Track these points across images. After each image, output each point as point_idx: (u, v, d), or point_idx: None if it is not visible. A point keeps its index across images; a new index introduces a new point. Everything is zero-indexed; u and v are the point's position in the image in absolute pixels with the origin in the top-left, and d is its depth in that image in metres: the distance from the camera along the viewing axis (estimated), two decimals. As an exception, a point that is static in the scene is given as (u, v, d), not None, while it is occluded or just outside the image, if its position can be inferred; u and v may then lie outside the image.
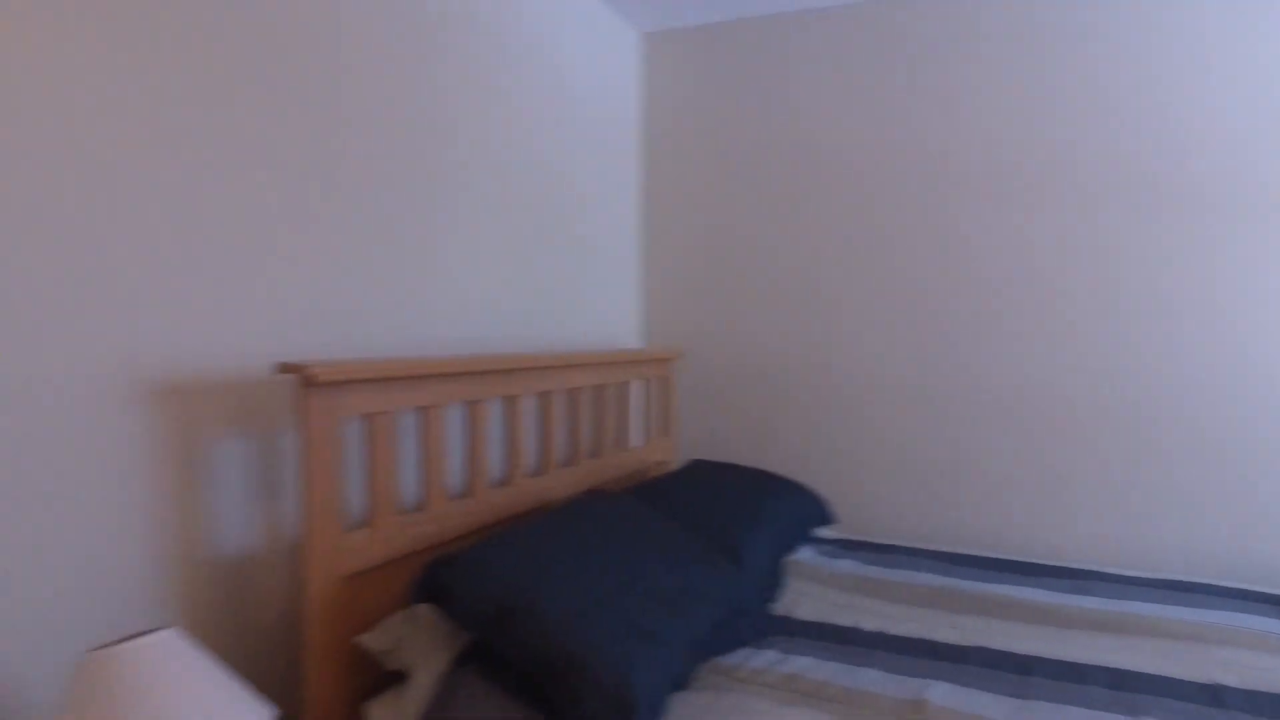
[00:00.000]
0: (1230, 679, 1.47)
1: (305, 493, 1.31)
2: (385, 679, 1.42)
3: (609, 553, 1.52)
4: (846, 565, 2.12)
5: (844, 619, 1.78)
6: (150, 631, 1.01)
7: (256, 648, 1.43)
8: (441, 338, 1.89)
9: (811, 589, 1.97)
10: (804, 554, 2.17)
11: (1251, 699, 1.39)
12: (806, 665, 1.51)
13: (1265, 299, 2.19)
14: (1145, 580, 2.01)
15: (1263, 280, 2.19)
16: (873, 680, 1.46)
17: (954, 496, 2.53)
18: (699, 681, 1.44)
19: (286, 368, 1.31)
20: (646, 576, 1.48)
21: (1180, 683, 1.46)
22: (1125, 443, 2.33)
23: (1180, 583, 1.98)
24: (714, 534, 1.90)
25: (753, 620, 1.66)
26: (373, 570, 1.46)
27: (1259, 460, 2.20)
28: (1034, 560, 2.19)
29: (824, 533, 2.42)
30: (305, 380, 1.31)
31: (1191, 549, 2.28)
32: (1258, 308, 2.19)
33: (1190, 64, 2.22)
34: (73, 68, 1.17)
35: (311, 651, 1.32)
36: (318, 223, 1.56)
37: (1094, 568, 2.13)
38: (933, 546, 2.34)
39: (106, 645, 0.99)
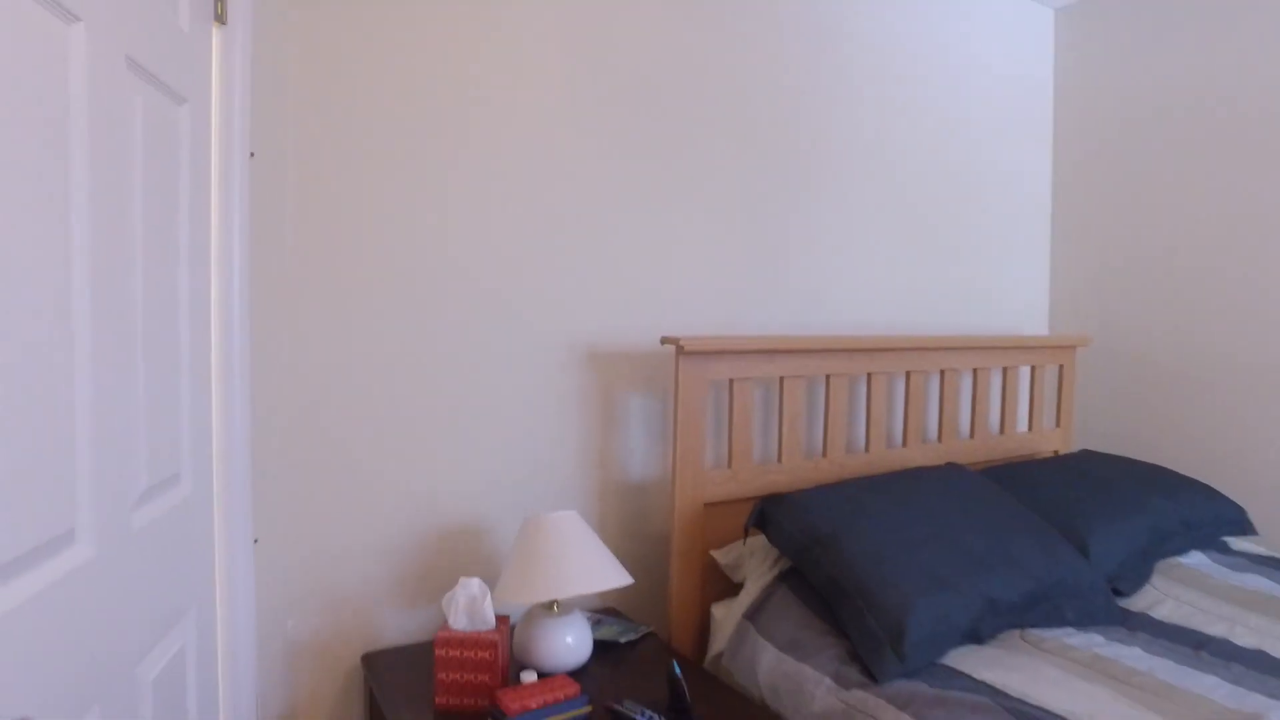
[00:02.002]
0: None
1: (677, 437, 1.75)
2: (729, 587, 1.80)
3: (927, 512, 1.69)
4: (1253, 580, 1.91)
5: (1210, 628, 1.66)
6: (564, 511, 1.53)
7: (642, 548, 1.93)
8: (836, 323, 2.23)
9: (1185, 592, 1.84)
10: (1194, 558, 2.01)
11: None
12: (1128, 654, 1.51)
13: None
14: None
15: None
16: (1200, 684, 1.40)
17: None
18: (998, 640, 1.54)
19: (665, 340, 1.75)
20: (956, 537, 1.62)
21: None
22: None
23: None
24: (1063, 519, 1.90)
25: (1085, 605, 1.67)
26: (728, 503, 1.85)
27: None
28: None
29: (1241, 544, 2.17)
30: (679, 350, 1.74)
31: None
32: None
33: None
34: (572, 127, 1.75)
35: (676, 557, 1.76)
36: (723, 228, 1.99)
37: None
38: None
39: (538, 515, 1.53)
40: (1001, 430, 2.48)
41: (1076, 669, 1.44)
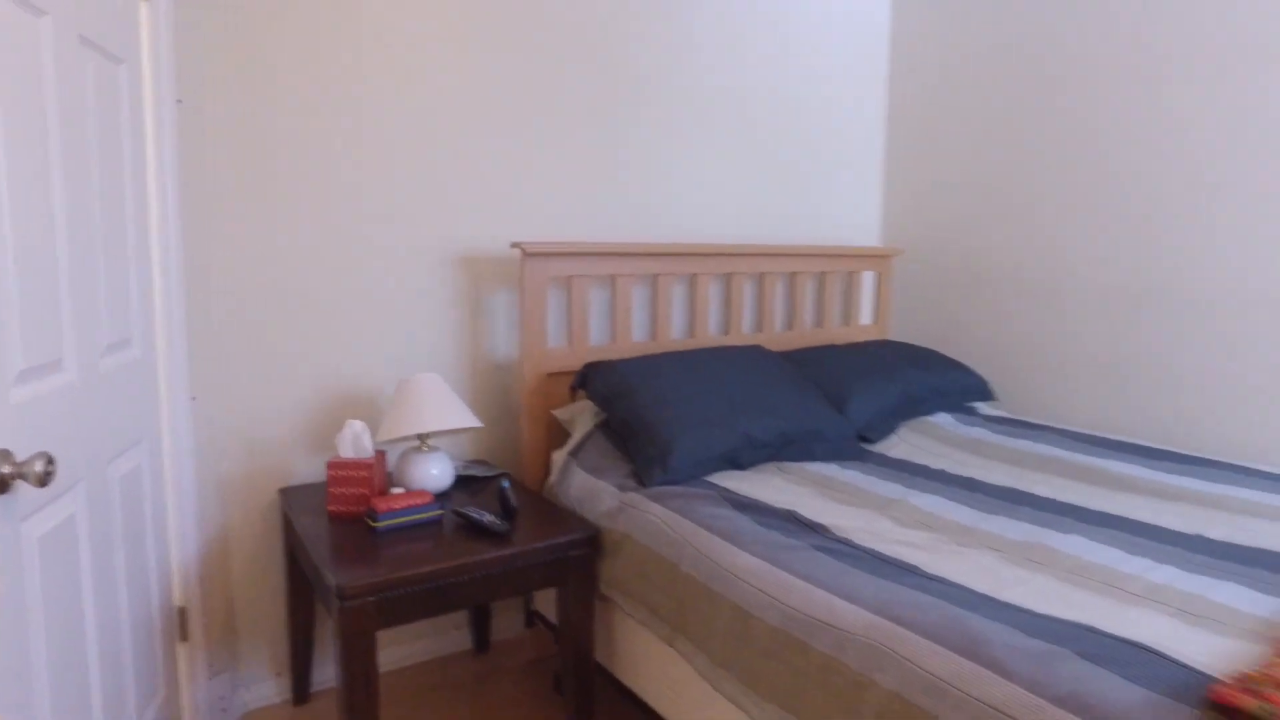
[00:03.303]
0: (1231, 535, 1.68)
1: (524, 322, 2.25)
2: (567, 438, 2.34)
3: (714, 376, 2.23)
4: (973, 431, 2.50)
5: (927, 461, 2.24)
6: (429, 374, 2.04)
7: (504, 412, 2.45)
8: (677, 231, 2.72)
9: (919, 440, 2.43)
10: (940, 418, 2.59)
11: (1244, 557, 1.53)
12: (850, 475, 2.07)
13: None
14: (1264, 472, 2.07)
15: None
16: (894, 491, 1.94)
17: (1126, 390, 2.65)
18: (756, 467, 2.10)
19: (514, 245, 2.23)
20: (730, 392, 2.17)
21: (1182, 535, 1.65)
22: (1273, 344, 2.28)
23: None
24: (834, 384, 2.46)
25: (832, 444, 2.24)
26: (568, 374, 2.36)
27: None
28: (1170, 448, 2.33)
29: (983, 408, 2.77)
30: (524, 252, 2.22)
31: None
32: None
33: None
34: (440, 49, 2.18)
35: (525, 416, 2.28)
36: (572, 143, 2.45)
37: (1229, 460, 2.21)
38: (1077, 428, 2.57)
39: (410, 376, 2.03)
40: (821, 325, 3.03)
41: (803, 483, 2.00)
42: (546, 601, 2.21)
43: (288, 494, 2.08)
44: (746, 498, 1.86)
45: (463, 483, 2.18)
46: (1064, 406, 2.84)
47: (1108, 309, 2.70)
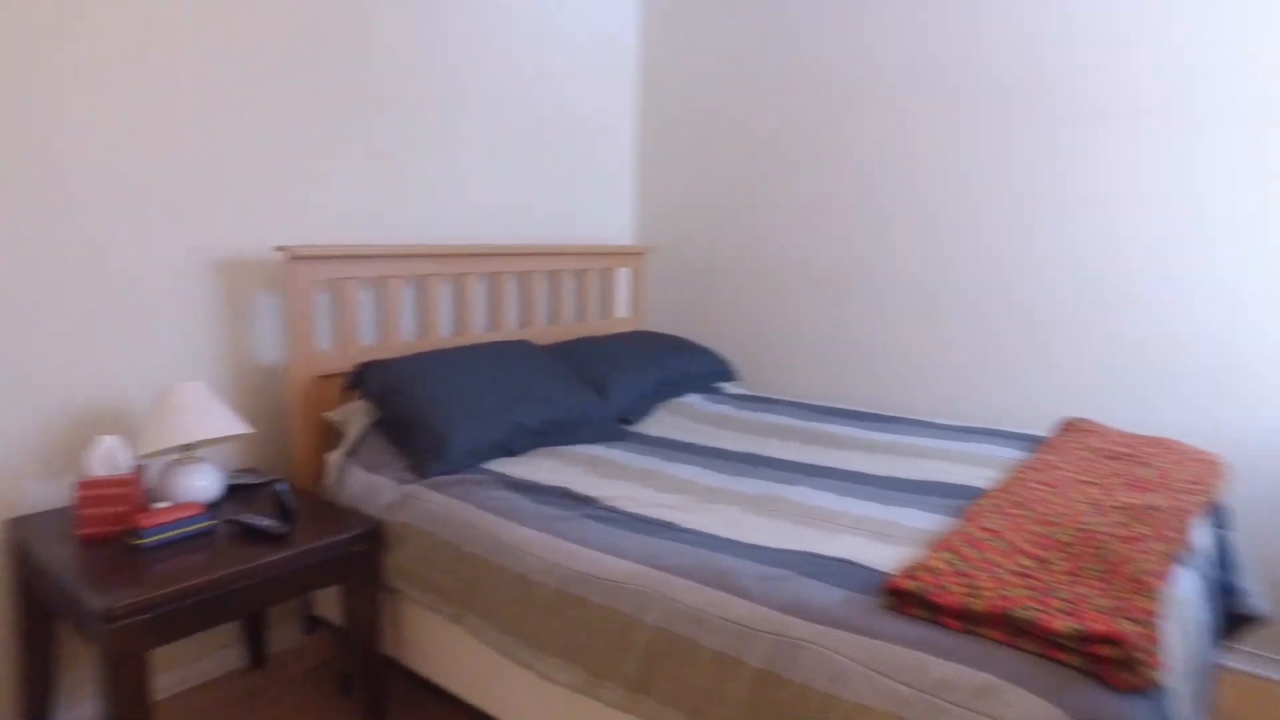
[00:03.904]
0: (913, 474, 2.08)
1: (290, 325, 2.22)
2: (341, 441, 2.35)
3: (484, 370, 2.34)
4: (719, 408, 2.83)
5: (680, 436, 2.51)
6: (191, 382, 1.97)
7: (276, 417, 2.40)
8: (443, 233, 2.77)
9: (673, 419, 2.71)
10: (690, 399, 2.90)
11: (921, 489, 1.95)
12: (613, 454, 2.28)
13: (1068, 203, 2.59)
14: (940, 425, 2.57)
15: (1071, 186, 2.59)
16: (653, 463, 2.19)
17: (845, 363, 3.13)
18: (528, 452, 2.25)
19: (277, 248, 2.20)
20: (499, 384, 2.30)
21: (880, 477, 2.05)
22: (965, 322, 2.84)
23: (969, 428, 2.53)
24: (596, 373, 2.67)
25: (596, 427, 2.44)
26: (340, 375, 2.37)
27: (1067, 337, 2.66)
28: (874, 411, 2.80)
29: (728, 387, 3.13)
30: (289, 256, 2.20)
31: (1004, 406, 2.79)
32: (1063, 211, 2.60)
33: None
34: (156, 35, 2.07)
35: (296, 419, 2.26)
36: (337, 147, 2.43)
37: (918, 418, 2.70)
38: (807, 400, 3.00)
39: (170, 385, 1.95)
40: (582, 318, 3.24)
41: (572, 464, 2.18)
42: (328, 603, 2.21)
43: (19, 525, 1.90)
44: (521, 479, 2.01)
45: (234, 492, 2.12)
46: (795, 381, 3.28)
47: (828, 296, 3.16)
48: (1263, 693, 2.37)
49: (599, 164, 3.45)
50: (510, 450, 2.22)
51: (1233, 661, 2.50)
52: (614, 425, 2.50)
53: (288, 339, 2.23)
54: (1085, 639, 1.16)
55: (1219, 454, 2.45)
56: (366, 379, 2.22)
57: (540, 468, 2.12)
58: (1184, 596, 1.53)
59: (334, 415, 2.29)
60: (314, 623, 2.32)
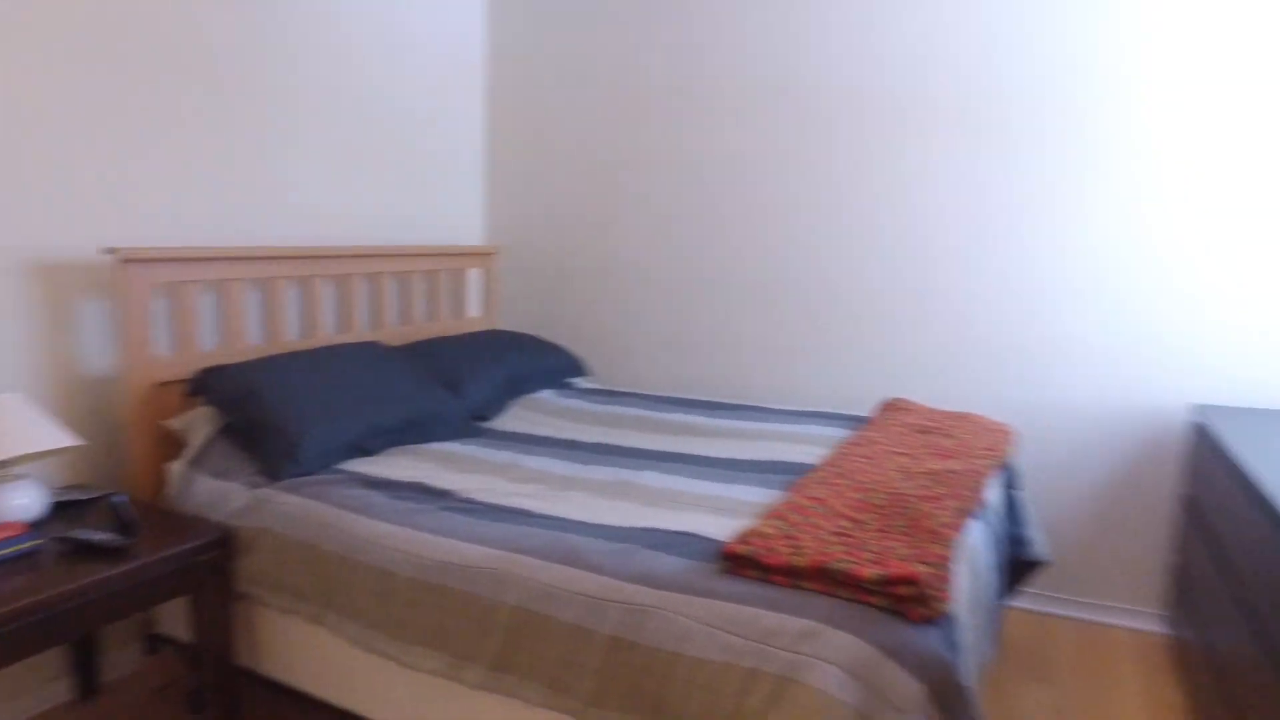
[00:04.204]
0: (751, 455, 2.25)
1: (124, 330, 2.13)
2: (182, 450, 2.28)
3: (336, 371, 2.33)
4: (571, 402, 2.92)
5: (534, 430, 2.59)
6: (4, 394, 1.85)
7: (110, 428, 2.28)
8: (286, 235, 2.70)
9: (527, 414, 2.78)
10: (543, 394, 2.98)
11: (758, 468, 2.13)
12: (468, 450, 2.33)
13: (880, 207, 2.88)
14: (775, 410, 2.78)
15: (883, 191, 2.88)
16: (508, 456, 2.25)
17: (690, 357, 3.31)
18: (384, 452, 2.26)
19: (106, 250, 2.10)
20: (352, 384, 2.29)
21: (721, 459, 2.22)
22: (794, 315, 3.09)
23: (801, 411, 2.76)
24: (449, 371, 2.71)
25: (450, 425, 2.48)
26: (179, 382, 2.29)
27: (884, 326, 2.94)
28: (716, 399, 2.99)
29: (579, 382, 3.24)
30: (120, 259, 2.11)
31: (831, 390, 3.06)
32: (876, 214, 2.89)
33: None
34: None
35: (132, 428, 2.17)
36: (169, 145, 2.32)
37: (757, 404, 2.91)
38: (654, 392, 3.15)
39: (-21, 400, 1.83)
40: (434, 319, 3.26)
41: (427, 460, 2.21)
42: (171, 620, 2.14)
43: None
44: (377, 477, 2.03)
45: (61, 509, 2.01)
46: (642, 374, 3.43)
47: (670, 293, 3.33)
48: (1046, 626, 2.74)
49: (448, 166, 3.46)
50: (365, 450, 2.22)
51: (1021, 602, 2.87)
52: (468, 422, 2.54)
53: (121, 345, 2.14)
54: (888, 582, 1.34)
55: (1010, 424, 2.80)
56: (210, 384, 2.16)
57: (396, 466, 2.14)
58: (974, 544, 1.77)
59: (174, 423, 2.21)
60: (156, 641, 2.23)
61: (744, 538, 1.51)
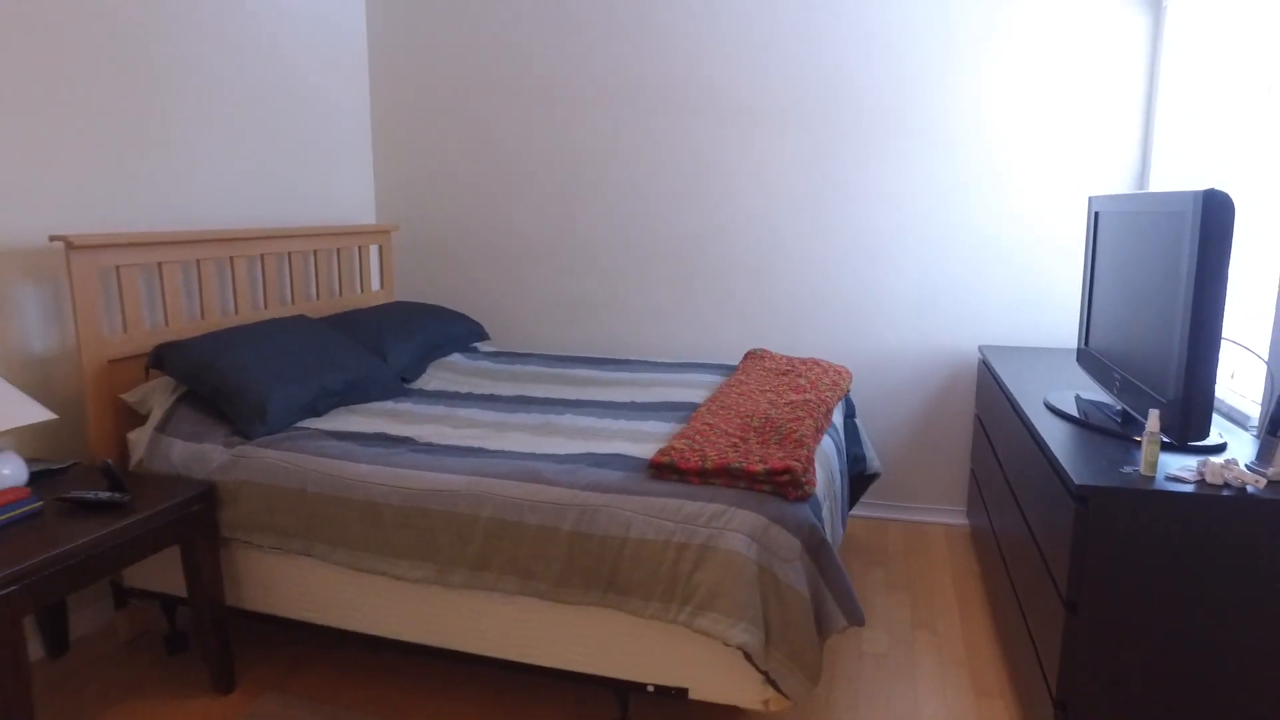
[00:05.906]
0: (648, 399, 2.74)
1: (77, 313, 2.31)
2: (138, 420, 2.49)
3: (280, 342, 2.60)
4: (481, 363, 3.30)
5: (455, 389, 2.96)
6: (-12, 375, 2.03)
7: (62, 406, 2.45)
8: (199, 216, 2.88)
9: (445, 375, 3.14)
10: (455, 357, 3.34)
11: (656, 408, 2.62)
12: (402, 407, 2.67)
13: (734, 180, 3.43)
14: (659, 362, 3.28)
15: (738, 166, 3.42)
16: (441, 411, 2.62)
17: (584, 318, 3.75)
18: (331, 412, 2.57)
19: (54, 238, 2.27)
20: (298, 354, 2.58)
21: (626, 403, 2.69)
22: (667, 279, 3.59)
23: (681, 363, 3.27)
24: (374, 340, 3.02)
25: (384, 386, 2.81)
26: (130, 358, 2.49)
27: (742, 287, 3.51)
28: (607, 355, 3.45)
29: (483, 346, 3.61)
30: (68, 245, 2.28)
31: (702, 342, 3.60)
32: (730, 186, 3.43)
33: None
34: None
35: (90, 404, 2.36)
36: (83, 137, 2.47)
37: (643, 358, 3.39)
38: (551, 351, 3.58)
39: (-35, 380, 2.00)
40: (341, 293, 3.51)
41: (374, 416, 2.55)
42: (141, 573, 2.37)
43: None
44: (342, 431, 2.36)
45: (36, 479, 2.20)
46: (535, 337, 3.84)
47: (554, 262, 3.74)
48: (880, 527, 3.43)
49: (337, 147, 3.68)
50: (316, 411, 2.53)
51: (860, 510, 3.55)
52: (399, 384, 2.88)
53: (77, 327, 2.32)
54: (772, 474, 1.87)
55: (847, 366, 3.44)
56: (170, 359, 2.39)
57: (350, 422, 2.47)
58: (827, 451, 2.35)
59: (131, 396, 2.42)
60: (124, 594, 2.45)
61: (664, 452, 1.99)
